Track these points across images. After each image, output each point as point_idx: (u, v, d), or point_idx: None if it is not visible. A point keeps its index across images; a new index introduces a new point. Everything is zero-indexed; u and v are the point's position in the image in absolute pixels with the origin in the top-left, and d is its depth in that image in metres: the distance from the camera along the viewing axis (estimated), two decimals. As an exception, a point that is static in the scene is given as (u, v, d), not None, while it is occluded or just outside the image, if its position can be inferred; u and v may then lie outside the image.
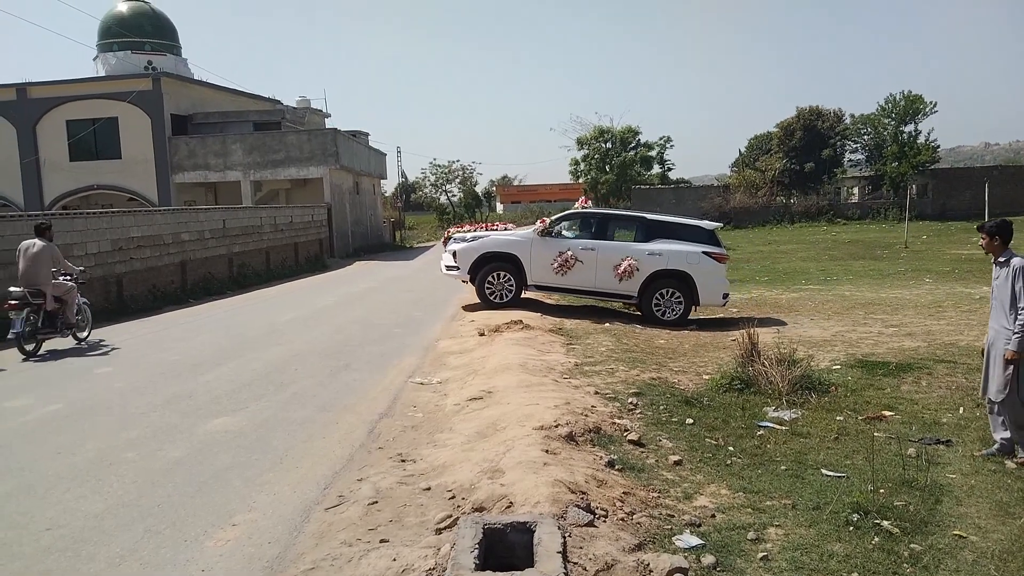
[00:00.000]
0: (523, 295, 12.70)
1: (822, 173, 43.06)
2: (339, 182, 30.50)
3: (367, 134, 40.28)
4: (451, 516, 3.93)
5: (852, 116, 45.18)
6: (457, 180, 54.40)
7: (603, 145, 50.83)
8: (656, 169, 51.94)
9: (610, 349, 8.99)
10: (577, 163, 51.40)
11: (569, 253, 12.15)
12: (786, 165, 42.97)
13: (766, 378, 6.98)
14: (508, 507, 3.87)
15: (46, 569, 3.58)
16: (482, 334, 9.68)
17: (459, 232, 13.50)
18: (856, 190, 47.82)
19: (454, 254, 12.68)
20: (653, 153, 51.34)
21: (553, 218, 12.82)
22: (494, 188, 63.79)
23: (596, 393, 6.70)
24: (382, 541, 3.72)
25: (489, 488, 4.13)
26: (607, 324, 11.09)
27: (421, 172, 62.38)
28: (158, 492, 4.54)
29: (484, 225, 14.40)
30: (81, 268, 11.07)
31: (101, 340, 10.54)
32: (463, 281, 13.07)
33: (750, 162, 48.42)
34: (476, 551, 3.26)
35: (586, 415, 5.76)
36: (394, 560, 3.45)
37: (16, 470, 5.04)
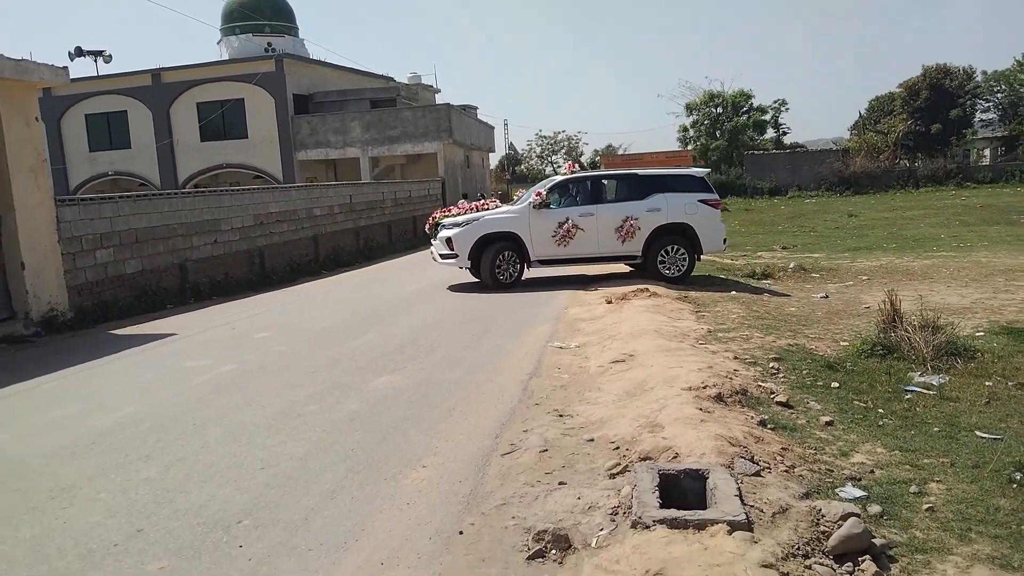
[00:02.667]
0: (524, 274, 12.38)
1: (950, 135, 40.74)
2: (452, 156, 31.20)
3: (475, 108, 40.97)
4: (619, 464, 4.24)
5: (984, 73, 42.41)
6: (563, 151, 54.55)
7: (713, 110, 49.67)
8: (770, 133, 50.35)
9: (741, 316, 9.08)
10: (686, 129, 50.48)
11: (570, 222, 12.01)
12: (910, 127, 40.88)
13: (909, 344, 6.93)
14: (674, 457, 4.14)
15: (271, 500, 4.12)
16: (609, 302, 9.93)
17: (447, 216, 12.83)
18: (987, 152, 45.00)
19: (448, 240, 12.11)
20: (767, 117, 49.81)
21: (546, 188, 12.49)
22: (598, 158, 63.37)
23: (735, 358, 6.85)
24: (560, 483, 4.07)
25: (652, 440, 4.42)
26: (733, 292, 11.11)
27: (527, 144, 62.78)
28: (348, 439, 5.07)
29: (476, 205, 13.37)
30: None
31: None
32: (460, 268, 12.56)
33: (871, 124, 46.26)
34: (656, 492, 3.57)
35: (730, 378, 5.95)
36: (579, 499, 3.80)
37: (217, 419, 5.69)
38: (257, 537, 3.67)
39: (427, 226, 13.32)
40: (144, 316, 11.35)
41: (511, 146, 56.14)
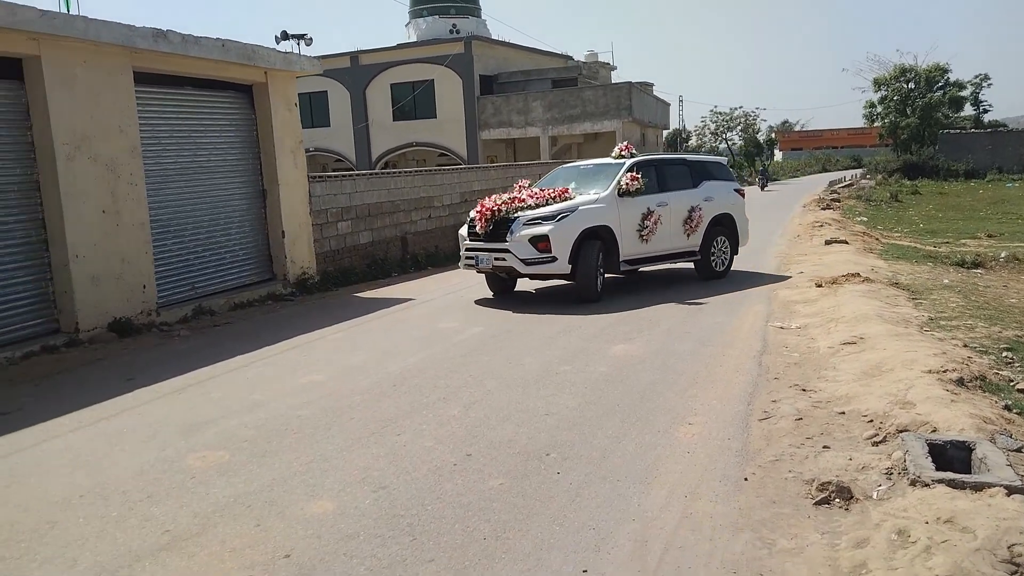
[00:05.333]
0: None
1: None
2: (629, 134, 31.48)
3: (652, 84, 40.86)
4: (877, 434, 4.67)
5: None
6: (739, 127, 53.18)
7: (904, 85, 46.80)
8: (968, 111, 46.84)
9: (961, 306, 9.02)
10: (873, 106, 47.97)
11: (655, 214, 10.37)
12: None
13: None
14: (933, 431, 4.52)
15: (566, 440, 4.90)
16: (819, 285, 10.10)
17: (520, 205, 9.82)
18: None
19: (538, 239, 9.37)
20: (965, 93, 46.34)
21: (632, 163, 10.51)
22: (774, 134, 61.21)
23: (965, 346, 6.96)
24: (824, 447, 4.58)
25: (907, 415, 4.80)
26: (945, 280, 10.92)
27: (701, 120, 61.76)
28: (609, 396, 5.79)
29: (549, 192, 10.17)
30: None
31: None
32: (558, 276, 9.80)
33: (1091, 101, 41.88)
34: (929, 457, 4.01)
35: (966, 364, 6.14)
36: (850, 460, 4.29)
37: (489, 372, 6.59)
38: (569, 467, 4.45)
39: (479, 220, 9.83)
40: (375, 282, 12.73)
41: (683, 123, 55.48)
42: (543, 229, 9.42)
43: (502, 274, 10.09)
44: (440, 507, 4.01)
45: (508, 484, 4.27)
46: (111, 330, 8.86)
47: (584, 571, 3.32)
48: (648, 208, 10.32)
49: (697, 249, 11.09)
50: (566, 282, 10.35)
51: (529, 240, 9.42)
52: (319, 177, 12.82)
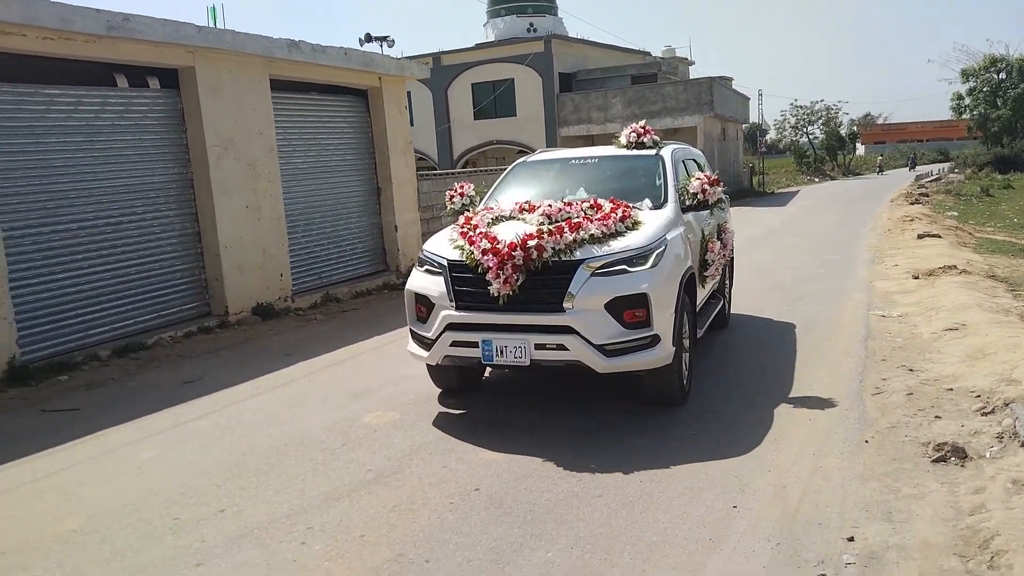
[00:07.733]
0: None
1: None
2: (710, 130, 31.61)
3: (731, 79, 40.73)
4: (985, 407, 5.11)
5: None
6: (820, 121, 52.33)
7: (995, 76, 45.35)
8: (1066, 102, 45.09)
9: (1062, 297, 9.21)
10: (961, 97, 46.77)
11: (713, 240, 6.77)
12: None
13: None
14: (1039, 404, 4.94)
15: (694, 407, 5.49)
16: (916, 277, 10.37)
17: (577, 243, 5.05)
18: None
19: (624, 305, 4.89)
20: (1062, 83, 44.53)
21: (679, 153, 6.90)
22: (855, 128, 59.90)
23: (1068, 333, 7.25)
24: (936, 417, 5.04)
25: (1014, 391, 5.22)
26: None
27: (780, 114, 60.89)
28: (726, 374, 6.34)
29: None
30: None
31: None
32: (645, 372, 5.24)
33: None
34: (1038, 424, 4.46)
35: (1070, 349, 6.46)
36: (961, 426, 4.77)
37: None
38: (700, 430, 5.05)
39: (497, 267, 4.91)
40: (477, 273, 13.49)
41: (762, 117, 54.97)
42: (640, 284, 4.98)
43: (504, 370, 6.21)
44: (591, 458, 4.66)
45: (647, 443, 4.88)
46: (255, 314, 9.82)
47: (734, 507, 3.92)
48: (703, 231, 6.53)
49: (717, 288, 7.60)
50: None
51: (606, 306, 4.93)
52: (425, 175, 13.65)
